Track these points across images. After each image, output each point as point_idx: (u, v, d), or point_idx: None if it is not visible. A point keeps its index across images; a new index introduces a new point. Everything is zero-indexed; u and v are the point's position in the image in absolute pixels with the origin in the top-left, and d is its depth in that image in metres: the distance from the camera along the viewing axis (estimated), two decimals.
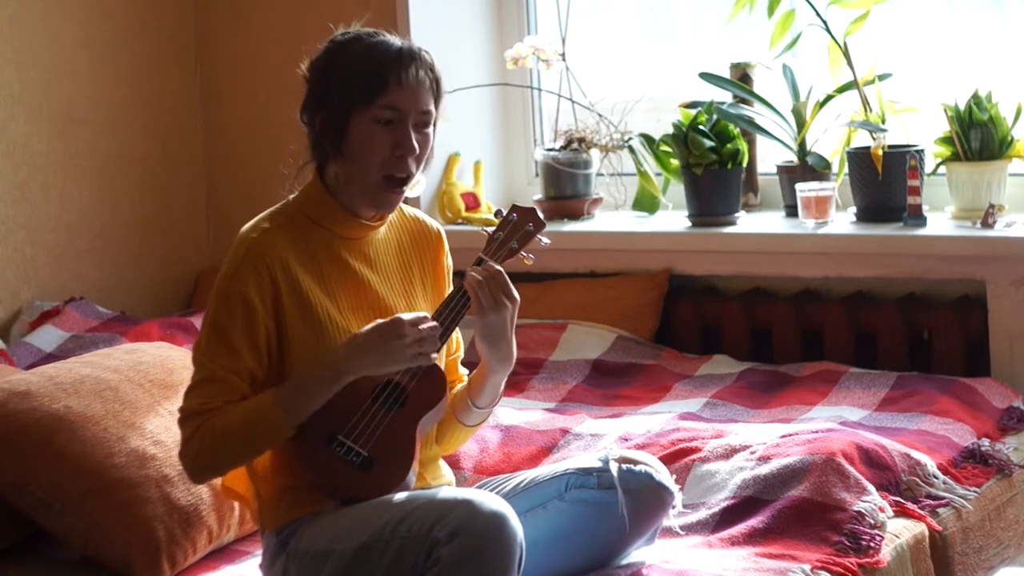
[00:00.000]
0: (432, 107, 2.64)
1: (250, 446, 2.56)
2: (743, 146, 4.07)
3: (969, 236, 3.73)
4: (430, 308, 2.74)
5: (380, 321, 2.57)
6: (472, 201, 4.44)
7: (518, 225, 2.68)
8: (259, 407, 2.54)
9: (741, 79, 4.15)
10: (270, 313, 2.58)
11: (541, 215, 2.69)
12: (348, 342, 2.57)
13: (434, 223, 2.82)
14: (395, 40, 2.64)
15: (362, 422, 2.56)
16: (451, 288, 2.79)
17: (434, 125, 2.66)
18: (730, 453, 3.14)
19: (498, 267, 2.63)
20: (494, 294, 2.61)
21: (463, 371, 2.83)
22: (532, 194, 4.45)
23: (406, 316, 2.56)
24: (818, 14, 3.97)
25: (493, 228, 2.69)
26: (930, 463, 3.18)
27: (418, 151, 2.63)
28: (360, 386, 2.57)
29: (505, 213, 2.69)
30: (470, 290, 2.61)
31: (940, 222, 3.86)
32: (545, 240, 2.69)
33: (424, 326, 2.56)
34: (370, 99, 2.59)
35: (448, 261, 2.82)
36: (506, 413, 3.53)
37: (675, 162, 4.16)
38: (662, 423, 3.39)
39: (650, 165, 4.24)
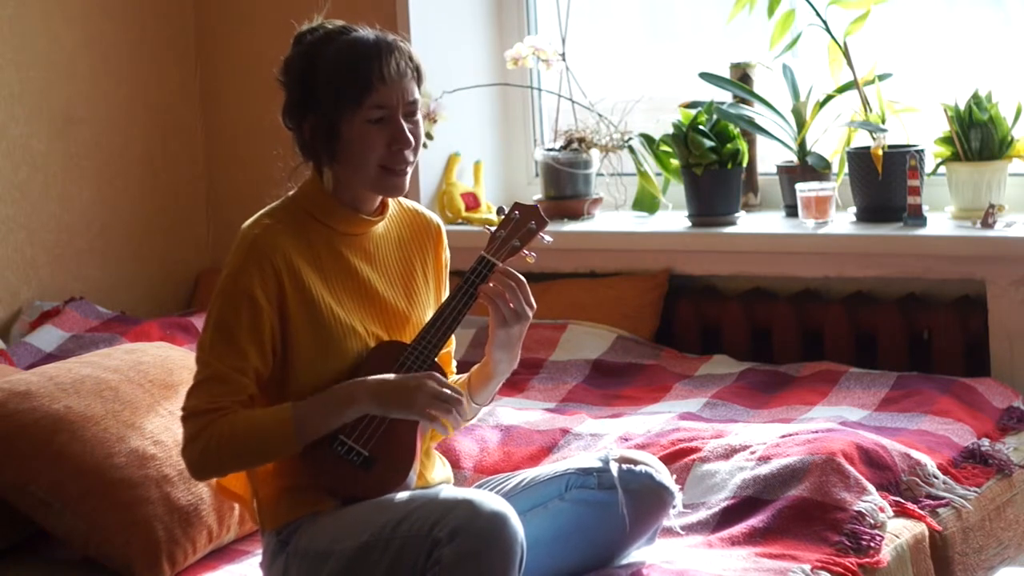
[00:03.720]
0: (417, 95, 2.63)
1: (256, 455, 2.56)
2: (743, 146, 4.07)
3: (969, 236, 3.73)
4: (431, 301, 2.74)
5: (415, 374, 2.55)
6: (472, 201, 4.43)
7: (520, 223, 2.66)
8: (273, 420, 2.53)
9: (741, 79, 4.15)
10: (275, 310, 2.56)
11: (543, 213, 2.68)
12: (377, 381, 2.54)
13: (433, 216, 2.80)
14: (368, 33, 2.62)
15: (363, 422, 2.56)
16: (447, 283, 2.79)
17: (420, 110, 2.65)
18: (730, 453, 3.14)
19: (519, 277, 2.62)
20: (518, 307, 2.61)
21: (453, 364, 2.84)
22: (532, 194, 4.45)
23: (437, 377, 2.54)
24: (818, 14, 3.96)
25: (495, 227, 2.68)
26: (930, 463, 3.18)
27: (413, 142, 2.63)
28: None
29: (507, 211, 2.68)
30: (488, 302, 2.59)
31: (940, 222, 3.86)
32: (548, 238, 2.68)
33: (450, 393, 2.53)
34: (358, 101, 2.57)
35: (446, 255, 2.81)
36: (506, 413, 3.52)
37: (675, 162, 4.16)
38: (662, 423, 3.39)
39: (650, 165, 4.24)
